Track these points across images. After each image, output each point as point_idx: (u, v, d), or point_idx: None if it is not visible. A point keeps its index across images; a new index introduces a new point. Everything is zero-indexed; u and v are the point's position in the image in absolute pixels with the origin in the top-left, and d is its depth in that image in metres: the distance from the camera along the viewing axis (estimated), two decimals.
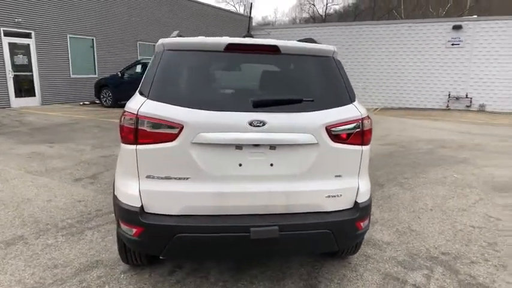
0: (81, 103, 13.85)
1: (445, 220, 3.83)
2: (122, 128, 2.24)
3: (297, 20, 49.79)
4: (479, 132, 10.15)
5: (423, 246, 3.25)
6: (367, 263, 2.93)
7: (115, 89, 12.40)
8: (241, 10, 39.78)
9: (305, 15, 50.03)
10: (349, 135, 2.29)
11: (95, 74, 14.80)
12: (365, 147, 2.37)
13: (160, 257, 2.60)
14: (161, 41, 2.37)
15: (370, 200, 2.46)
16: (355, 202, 2.39)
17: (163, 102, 2.16)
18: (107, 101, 12.83)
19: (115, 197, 2.38)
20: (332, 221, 2.27)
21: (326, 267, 2.84)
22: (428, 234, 3.48)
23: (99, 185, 4.66)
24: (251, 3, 2.52)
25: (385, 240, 3.34)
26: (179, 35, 2.66)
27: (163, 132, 2.13)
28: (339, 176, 2.33)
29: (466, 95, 17.75)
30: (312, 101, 2.26)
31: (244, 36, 2.62)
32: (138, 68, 12.07)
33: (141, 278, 2.64)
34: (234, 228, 2.14)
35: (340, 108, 2.31)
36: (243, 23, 24.64)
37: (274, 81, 2.34)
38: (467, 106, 17.72)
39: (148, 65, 2.52)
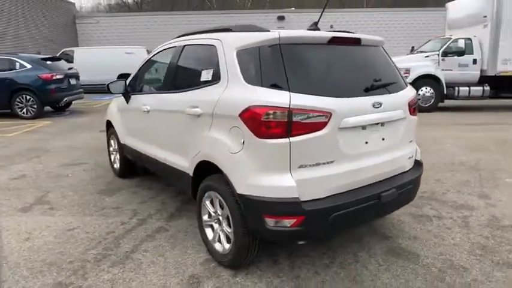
0: None
1: None
2: (263, 123, 2.20)
3: (103, 6, 46.25)
4: None
5: None
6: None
7: None
8: None
9: (113, 1, 46.76)
10: (414, 109, 2.91)
11: None
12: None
13: (300, 243, 2.64)
14: (271, 34, 2.37)
15: None
16: (416, 160, 3.05)
17: (306, 94, 2.24)
18: None
19: (246, 196, 2.30)
20: (414, 177, 2.86)
21: (376, 223, 3.42)
22: None
23: (66, 209, 3.83)
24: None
25: None
26: (254, 29, 2.65)
27: (316, 121, 2.23)
28: (411, 141, 2.94)
29: None
30: (395, 83, 2.77)
31: (312, 29, 2.84)
32: None
33: (256, 275, 2.61)
34: (371, 197, 2.46)
35: (407, 88, 2.90)
36: (66, 8, 21.70)
37: (364, 68, 2.69)
38: None
39: (244, 57, 2.46)
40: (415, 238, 3.13)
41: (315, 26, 2.85)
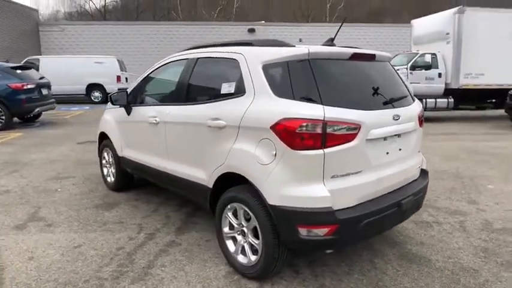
0: None
1: None
2: (297, 135, 2.26)
3: (62, 14, 44.86)
4: None
5: None
6: None
7: None
8: (26, 2, 31.93)
9: (73, 9, 45.41)
10: (421, 121, 3.09)
11: None
12: None
13: (328, 251, 2.68)
14: (301, 49, 2.44)
15: None
16: (422, 169, 3.22)
17: (337, 107, 2.34)
18: None
19: (278, 206, 2.33)
20: (424, 185, 3.03)
21: None
22: None
23: (65, 225, 3.65)
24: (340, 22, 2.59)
25: None
26: (277, 43, 2.73)
27: (347, 133, 2.33)
28: (419, 151, 3.11)
29: None
30: (407, 96, 2.94)
31: (328, 45, 2.95)
32: None
33: (282, 286, 2.63)
34: (394, 204, 2.59)
35: (415, 101, 3.08)
36: (28, 15, 20.80)
37: (380, 82, 2.81)
38: None
39: (272, 71, 2.53)
40: (422, 243, 3.29)
41: (330, 42, 2.97)
